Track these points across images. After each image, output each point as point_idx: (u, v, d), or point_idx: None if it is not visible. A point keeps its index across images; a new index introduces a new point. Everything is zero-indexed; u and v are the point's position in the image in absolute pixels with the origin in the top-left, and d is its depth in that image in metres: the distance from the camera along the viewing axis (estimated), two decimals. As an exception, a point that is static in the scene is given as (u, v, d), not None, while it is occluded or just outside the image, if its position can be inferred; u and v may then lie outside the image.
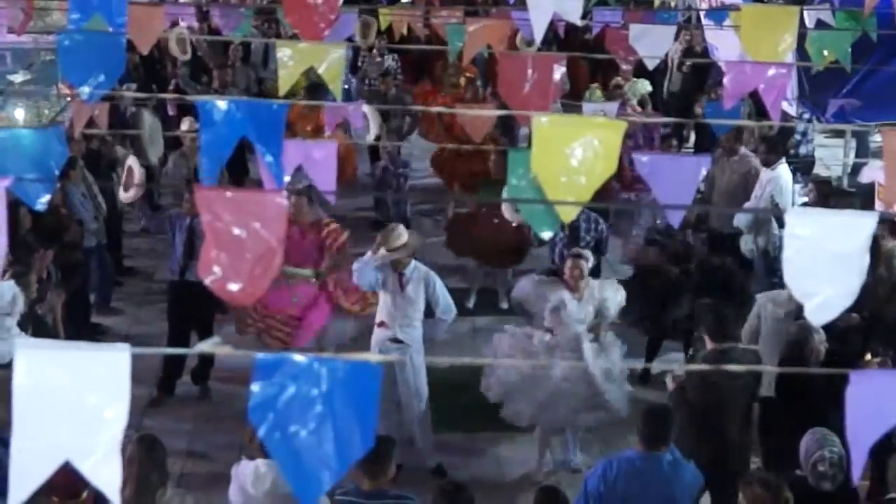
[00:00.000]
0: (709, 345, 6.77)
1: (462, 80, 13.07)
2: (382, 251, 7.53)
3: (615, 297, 7.79)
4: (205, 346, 8.73)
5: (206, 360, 8.85)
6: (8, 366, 7.27)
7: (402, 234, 7.60)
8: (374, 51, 14.07)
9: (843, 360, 6.78)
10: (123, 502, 5.24)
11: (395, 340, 7.63)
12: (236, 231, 3.35)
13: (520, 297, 7.96)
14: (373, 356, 2.66)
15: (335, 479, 2.54)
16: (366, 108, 9.06)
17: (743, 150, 10.12)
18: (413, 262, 7.67)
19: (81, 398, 2.27)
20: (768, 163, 9.89)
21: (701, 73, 13.56)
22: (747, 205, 10.01)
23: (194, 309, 8.66)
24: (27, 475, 2.25)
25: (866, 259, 3.09)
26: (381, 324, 7.70)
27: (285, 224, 3.42)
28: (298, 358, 2.57)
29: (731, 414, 6.61)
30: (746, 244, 9.90)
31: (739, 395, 6.61)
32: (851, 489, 5.87)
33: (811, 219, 3.13)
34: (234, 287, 3.40)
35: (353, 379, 2.54)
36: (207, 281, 3.44)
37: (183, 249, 8.59)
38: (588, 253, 7.95)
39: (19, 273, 7.40)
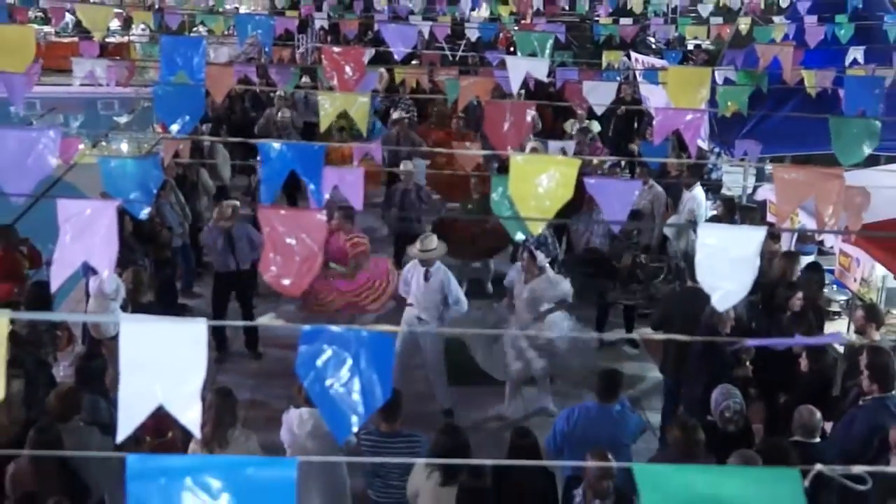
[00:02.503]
0: None
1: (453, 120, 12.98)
2: (415, 250, 7.79)
3: (550, 287, 7.84)
4: (264, 320, 8.84)
5: (253, 332, 8.97)
6: (114, 338, 7.27)
7: (434, 240, 7.85)
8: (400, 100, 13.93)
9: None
10: (203, 438, 5.29)
11: (420, 318, 7.78)
12: (288, 240, 3.44)
13: (508, 283, 8.24)
14: (391, 327, 2.66)
15: (361, 421, 2.55)
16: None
17: (651, 181, 10.00)
18: (437, 263, 7.81)
19: (171, 358, 2.29)
20: (689, 185, 9.96)
21: (630, 118, 13.59)
22: (673, 219, 10.04)
23: (238, 291, 8.92)
24: (131, 416, 2.26)
25: (757, 262, 3.11)
26: (410, 304, 7.86)
27: (324, 235, 3.51)
28: (333, 329, 2.57)
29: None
30: (672, 247, 9.95)
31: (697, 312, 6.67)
32: (749, 432, 5.90)
33: (716, 232, 3.16)
34: (286, 281, 3.49)
35: (375, 345, 2.54)
36: (266, 277, 3.51)
37: (226, 249, 8.69)
38: (539, 254, 8.13)
39: (121, 272, 7.44)
